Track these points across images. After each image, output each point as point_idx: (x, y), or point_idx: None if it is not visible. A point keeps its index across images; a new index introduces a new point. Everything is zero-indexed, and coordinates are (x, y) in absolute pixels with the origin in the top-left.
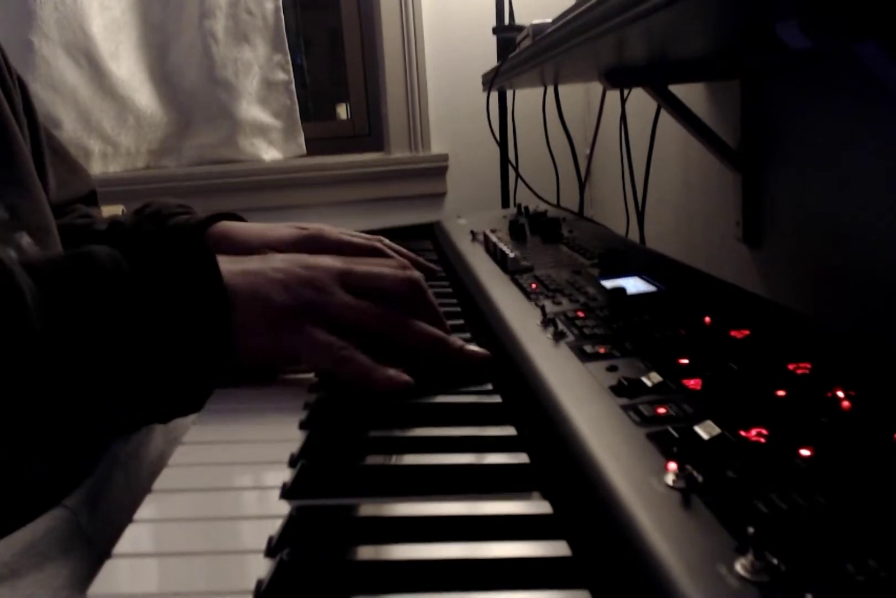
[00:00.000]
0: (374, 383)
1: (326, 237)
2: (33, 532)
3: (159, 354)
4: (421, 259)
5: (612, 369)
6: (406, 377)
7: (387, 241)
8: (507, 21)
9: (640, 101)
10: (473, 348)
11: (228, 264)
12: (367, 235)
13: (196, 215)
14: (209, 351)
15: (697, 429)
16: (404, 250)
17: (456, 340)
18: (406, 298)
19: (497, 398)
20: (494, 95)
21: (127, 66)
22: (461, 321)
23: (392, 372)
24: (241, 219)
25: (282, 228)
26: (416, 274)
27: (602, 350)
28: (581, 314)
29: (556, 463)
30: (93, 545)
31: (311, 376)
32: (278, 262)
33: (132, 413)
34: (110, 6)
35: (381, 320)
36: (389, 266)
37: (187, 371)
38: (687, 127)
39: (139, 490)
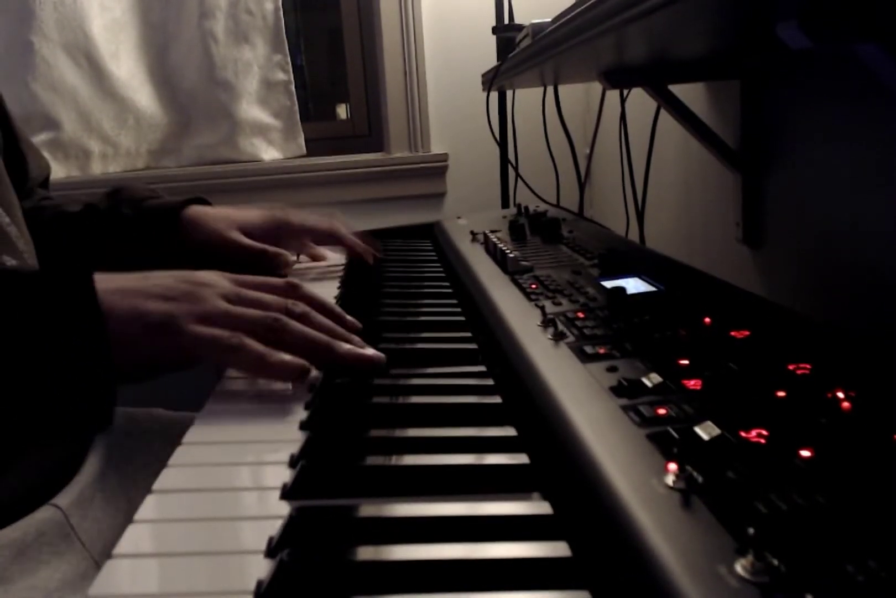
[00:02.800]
0: (269, 369)
1: (290, 222)
2: (24, 536)
3: (34, 376)
4: (367, 246)
5: (612, 369)
6: (301, 361)
7: (341, 218)
8: (506, 21)
9: (640, 101)
10: (360, 352)
11: (106, 283)
12: (324, 214)
13: (167, 200)
14: (86, 371)
15: (697, 430)
16: (356, 240)
17: (341, 346)
18: (290, 314)
19: (497, 399)
20: (494, 95)
21: (127, 67)
22: (461, 319)
23: (287, 357)
24: (209, 203)
25: (251, 212)
26: (300, 305)
27: (602, 351)
28: (581, 315)
29: (557, 464)
30: (86, 546)
31: (311, 375)
32: (161, 279)
33: (13, 433)
34: (110, 7)
35: (263, 327)
36: (277, 291)
37: (67, 391)
38: (687, 127)
39: (134, 492)
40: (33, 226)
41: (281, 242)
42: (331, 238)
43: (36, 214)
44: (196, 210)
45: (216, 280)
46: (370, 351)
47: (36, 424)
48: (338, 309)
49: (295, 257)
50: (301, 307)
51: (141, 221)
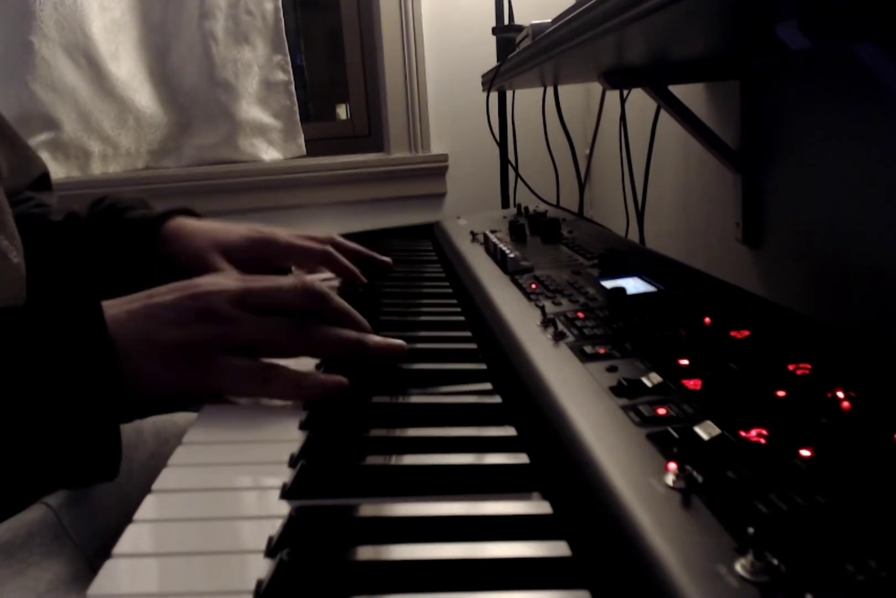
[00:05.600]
0: (309, 393)
1: (277, 242)
2: (14, 538)
3: (39, 412)
4: (374, 254)
5: (612, 369)
6: (339, 378)
7: (339, 239)
8: (506, 21)
9: (640, 101)
10: (390, 341)
11: (112, 310)
12: (320, 237)
13: (152, 211)
14: (97, 406)
15: (697, 429)
16: (358, 248)
17: (371, 337)
18: (310, 308)
19: (497, 399)
20: (494, 96)
21: (127, 67)
22: (461, 319)
23: (323, 376)
24: (196, 215)
25: (234, 232)
26: (317, 285)
27: (602, 351)
28: (581, 315)
29: (556, 464)
30: (78, 546)
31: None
32: (167, 296)
33: (20, 479)
34: (110, 7)
35: (291, 333)
36: (287, 279)
37: (76, 431)
38: (687, 127)
39: (127, 491)
40: (21, 236)
41: (266, 265)
42: (322, 263)
43: (23, 222)
44: (178, 224)
45: (221, 284)
46: (394, 341)
47: (33, 473)
48: (351, 310)
49: None
50: (315, 290)
51: (118, 233)
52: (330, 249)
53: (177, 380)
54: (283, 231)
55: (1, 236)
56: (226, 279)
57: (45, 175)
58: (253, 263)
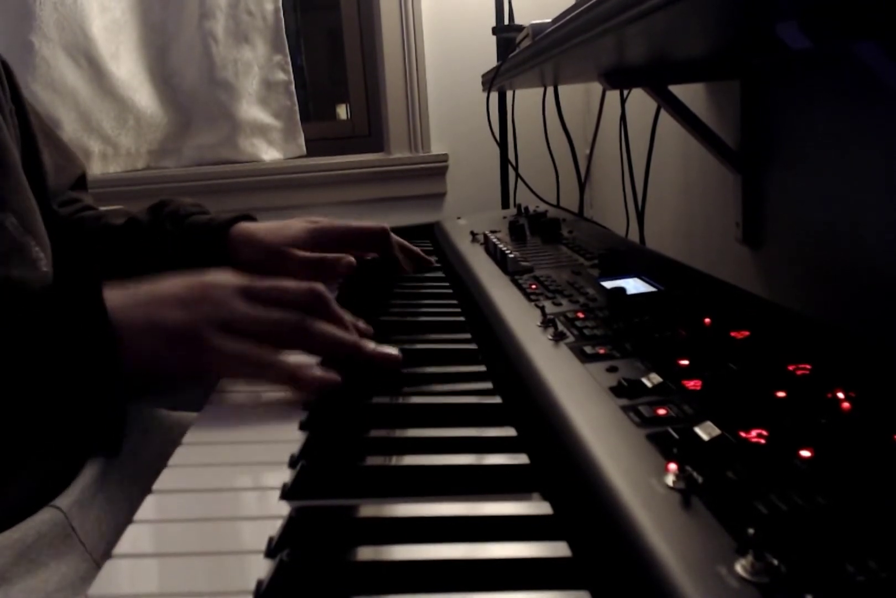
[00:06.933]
0: (302, 384)
1: (336, 228)
2: (24, 538)
3: (45, 398)
4: (420, 251)
5: (612, 369)
6: (332, 377)
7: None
8: (506, 21)
9: (640, 101)
10: (386, 349)
11: (119, 298)
12: (372, 224)
13: (214, 216)
14: (100, 391)
15: (697, 430)
16: (404, 242)
17: (368, 344)
18: (311, 307)
19: (497, 399)
20: (494, 96)
21: (127, 67)
22: (461, 320)
23: (319, 371)
24: (254, 219)
25: (295, 225)
26: (319, 286)
27: (602, 351)
28: (581, 315)
29: (556, 464)
30: (86, 547)
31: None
32: (172, 283)
33: (27, 453)
34: (110, 7)
35: (289, 325)
36: (293, 281)
37: (79, 417)
38: (687, 127)
39: (135, 492)
40: (72, 237)
41: (328, 250)
42: (380, 239)
43: (77, 224)
44: (245, 227)
45: (228, 278)
46: (394, 350)
47: (42, 443)
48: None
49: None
50: (319, 290)
51: (185, 237)
52: (387, 227)
53: (177, 359)
54: (338, 220)
55: (33, 243)
56: (232, 276)
57: (84, 175)
58: (317, 249)
